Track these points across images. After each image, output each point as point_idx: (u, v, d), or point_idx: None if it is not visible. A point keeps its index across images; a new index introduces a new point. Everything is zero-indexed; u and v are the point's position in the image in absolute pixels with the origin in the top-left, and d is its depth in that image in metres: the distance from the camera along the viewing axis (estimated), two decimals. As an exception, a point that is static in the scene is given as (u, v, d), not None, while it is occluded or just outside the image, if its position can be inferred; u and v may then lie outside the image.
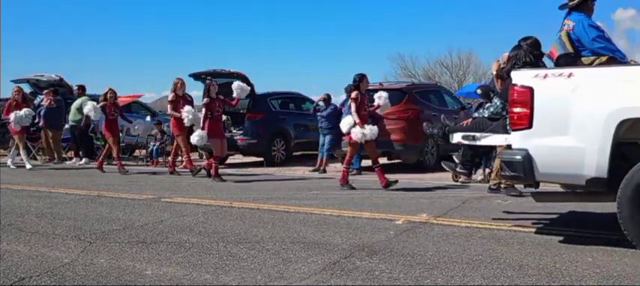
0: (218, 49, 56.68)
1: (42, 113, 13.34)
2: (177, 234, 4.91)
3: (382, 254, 4.12)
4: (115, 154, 10.95)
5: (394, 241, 4.58)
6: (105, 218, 5.71)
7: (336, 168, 11.34)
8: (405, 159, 11.33)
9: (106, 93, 10.94)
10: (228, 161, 13.59)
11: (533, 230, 5.01)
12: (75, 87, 14.25)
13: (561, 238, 4.67)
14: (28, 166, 11.60)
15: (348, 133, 8.12)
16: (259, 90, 13.27)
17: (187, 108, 10.16)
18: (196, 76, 12.91)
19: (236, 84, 9.99)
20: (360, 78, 8.24)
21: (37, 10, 57.79)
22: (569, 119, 4.16)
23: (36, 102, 13.86)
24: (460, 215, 5.79)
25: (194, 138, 9.49)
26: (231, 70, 12.73)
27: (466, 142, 5.24)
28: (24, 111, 11.67)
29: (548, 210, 6.18)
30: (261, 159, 12.87)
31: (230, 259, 4.03)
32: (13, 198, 7.32)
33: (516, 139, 4.39)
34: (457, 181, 9.21)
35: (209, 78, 9.54)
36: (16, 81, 15.48)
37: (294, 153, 13.49)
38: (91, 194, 7.71)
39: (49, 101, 13.32)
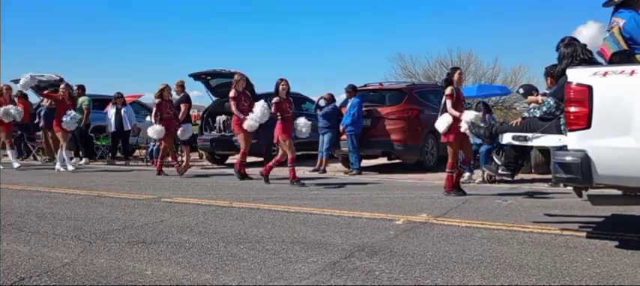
0: (218, 49, 56.67)
1: (42, 113, 13.35)
2: (177, 234, 4.91)
3: (382, 254, 4.12)
4: (170, 157, 10.65)
5: (394, 241, 4.58)
6: (105, 218, 5.71)
7: (336, 168, 11.36)
8: (405, 159, 11.32)
9: (163, 90, 10.27)
10: (229, 161, 13.59)
11: (534, 230, 5.01)
12: (75, 87, 14.23)
13: (561, 238, 4.67)
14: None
15: (449, 133, 7.23)
16: (259, 90, 13.26)
17: (261, 103, 9.70)
18: (196, 76, 12.91)
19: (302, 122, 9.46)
20: (453, 72, 7.63)
21: (37, 10, 57.77)
22: (632, 119, 3.95)
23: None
24: (460, 216, 5.78)
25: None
26: (231, 70, 12.72)
27: (517, 143, 5.05)
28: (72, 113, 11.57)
29: (549, 210, 6.18)
30: (262, 159, 12.86)
31: (230, 259, 4.03)
32: (13, 198, 7.33)
33: (573, 140, 4.17)
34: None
35: (280, 78, 8.89)
36: (16, 81, 15.49)
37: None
38: (91, 194, 7.71)
39: (49, 101, 13.32)
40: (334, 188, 8.39)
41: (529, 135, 4.93)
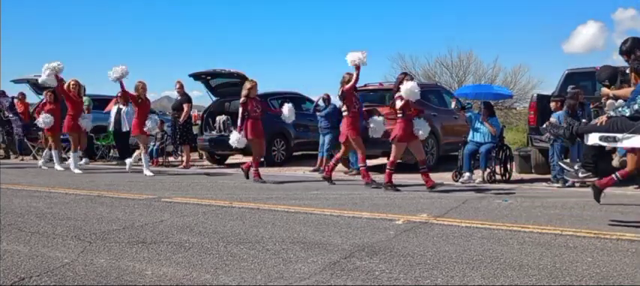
0: (218, 49, 56.70)
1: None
2: (177, 234, 4.91)
3: (382, 254, 4.11)
4: (254, 162, 9.53)
5: (394, 241, 4.58)
6: (105, 218, 5.71)
7: (336, 168, 11.34)
8: (405, 159, 11.31)
9: (251, 88, 9.33)
10: (228, 161, 13.59)
11: (533, 230, 5.01)
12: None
13: (561, 238, 4.67)
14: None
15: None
16: (259, 90, 13.26)
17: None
18: (196, 76, 12.91)
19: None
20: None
21: (37, 10, 57.80)
22: None
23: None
24: (460, 216, 5.79)
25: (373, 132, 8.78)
26: (231, 70, 12.73)
27: (605, 144, 4.89)
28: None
29: (549, 210, 6.18)
30: (262, 159, 12.85)
31: (230, 259, 4.03)
32: (13, 198, 7.32)
33: None
34: (457, 181, 9.22)
35: (404, 72, 8.30)
36: (16, 82, 15.50)
37: (294, 153, 13.48)
38: (91, 194, 7.71)
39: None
40: (334, 188, 8.38)
41: (619, 135, 4.73)
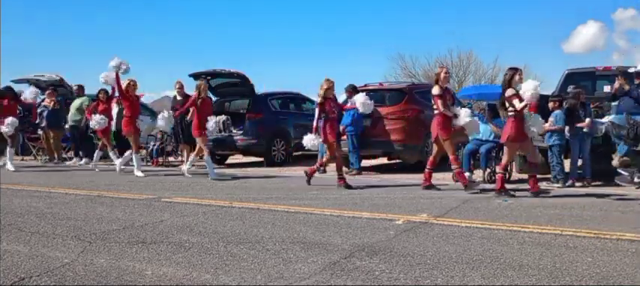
0: (218, 49, 56.70)
1: (45, 114, 13.35)
2: (177, 234, 4.91)
3: (382, 254, 4.11)
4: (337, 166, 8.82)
5: (394, 241, 4.58)
6: (105, 219, 5.71)
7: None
8: (405, 159, 11.33)
9: (327, 88, 8.49)
10: (228, 161, 13.59)
11: (533, 230, 5.01)
12: (75, 87, 14.24)
13: (561, 238, 4.67)
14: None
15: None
16: (259, 90, 13.28)
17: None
18: (196, 76, 12.91)
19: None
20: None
21: (37, 10, 57.76)
22: None
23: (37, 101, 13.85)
24: (460, 216, 5.78)
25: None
26: (231, 70, 12.74)
27: None
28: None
29: (549, 210, 6.18)
30: (261, 159, 12.87)
31: (230, 259, 4.03)
32: (13, 198, 7.33)
33: None
34: (457, 181, 9.21)
35: (513, 68, 7.45)
36: (16, 81, 15.49)
37: (294, 153, 13.48)
38: (91, 194, 7.71)
39: (52, 102, 13.33)
40: (334, 188, 8.38)
41: None
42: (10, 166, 11.35)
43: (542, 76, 36.85)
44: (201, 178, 9.82)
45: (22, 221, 5.59)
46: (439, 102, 7.65)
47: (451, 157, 7.74)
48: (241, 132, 12.61)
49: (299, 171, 11.31)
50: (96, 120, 11.25)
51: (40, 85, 14.88)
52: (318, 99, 8.51)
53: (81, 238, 4.76)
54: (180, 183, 9.28)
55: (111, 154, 11.58)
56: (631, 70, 8.40)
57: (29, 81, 15.13)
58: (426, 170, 8.07)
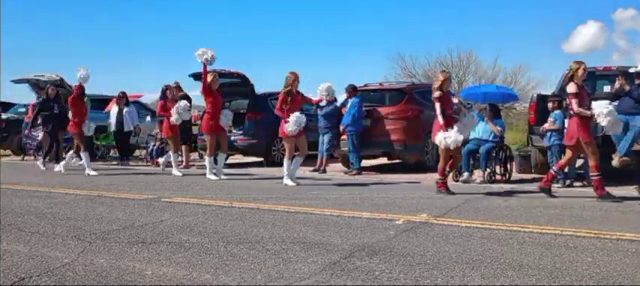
0: (218, 49, 56.64)
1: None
2: (177, 234, 4.91)
3: (382, 254, 4.11)
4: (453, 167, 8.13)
5: (394, 241, 4.58)
6: (105, 219, 5.71)
7: (336, 168, 11.36)
8: (405, 159, 11.33)
9: (444, 80, 7.71)
10: (228, 161, 13.59)
11: (533, 230, 5.01)
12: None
13: (561, 238, 4.67)
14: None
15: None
16: (259, 90, 13.27)
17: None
18: (196, 76, 12.90)
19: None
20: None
21: (37, 10, 57.77)
22: None
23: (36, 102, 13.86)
24: (460, 216, 5.78)
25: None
26: (231, 70, 12.73)
27: None
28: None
29: (549, 210, 6.18)
30: (262, 159, 12.87)
31: (230, 259, 4.03)
32: (13, 198, 7.33)
33: None
34: (457, 181, 9.22)
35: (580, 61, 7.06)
36: (16, 82, 15.49)
37: (295, 153, 13.45)
38: (91, 194, 7.71)
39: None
40: (334, 188, 8.38)
41: None
42: (90, 171, 10.66)
43: (542, 76, 36.91)
44: (201, 178, 9.81)
45: (22, 221, 5.59)
46: (574, 102, 6.90)
47: (592, 164, 7.02)
48: (241, 132, 12.61)
49: (299, 171, 11.30)
50: (175, 118, 10.42)
51: (39, 85, 14.89)
52: (435, 94, 7.63)
53: (81, 238, 4.76)
54: (181, 183, 9.28)
55: (172, 157, 10.83)
56: (631, 70, 8.40)
57: (29, 81, 15.12)
58: (548, 175, 7.42)
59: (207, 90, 9.66)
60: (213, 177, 9.65)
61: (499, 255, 4.07)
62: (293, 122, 8.64)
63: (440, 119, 7.50)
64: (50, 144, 12.33)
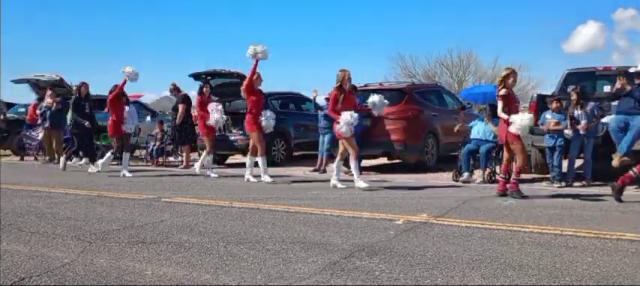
0: (218, 49, 56.62)
1: (48, 115, 13.34)
2: (177, 234, 4.91)
3: (382, 254, 4.11)
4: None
5: (394, 241, 4.58)
6: (105, 219, 5.71)
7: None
8: (405, 159, 11.33)
9: (507, 76, 7.34)
10: (228, 161, 13.59)
11: (533, 230, 5.01)
12: (75, 88, 14.21)
13: (561, 238, 4.67)
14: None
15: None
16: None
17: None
18: (196, 76, 12.91)
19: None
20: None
21: (37, 10, 57.73)
22: None
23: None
24: (460, 216, 5.78)
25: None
26: (231, 70, 12.73)
27: None
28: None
29: (549, 210, 6.18)
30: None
31: (230, 259, 4.03)
32: (13, 198, 7.33)
33: None
34: (457, 181, 9.22)
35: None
36: (16, 82, 15.50)
37: (294, 153, 13.48)
38: (91, 194, 7.71)
39: (53, 102, 13.32)
40: (334, 188, 8.38)
41: None
42: (127, 172, 10.42)
43: (542, 76, 36.93)
44: (201, 178, 9.81)
45: (22, 221, 5.59)
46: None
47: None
48: (241, 132, 12.60)
49: (299, 171, 11.30)
50: (214, 120, 10.11)
51: (39, 85, 14.90)
52: (501, 92, 7.28)
53: (81, 238, 4.76)
54: (181, 183, 9.28)
55: (208, 160, 10.38)
56: (631, 70, 8.40)
57: (29, 81, 15.13)
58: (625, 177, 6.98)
59: (249, 89, 9.12)
60: (268, 179, 9.05)
61: (499, 255, 4.07)
62: (344, 122, 8.09)
63: (503, 115, 7.12)
64: (79, 143, 12.09)
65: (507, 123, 7.10)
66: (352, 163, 8.46)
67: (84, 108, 11.67)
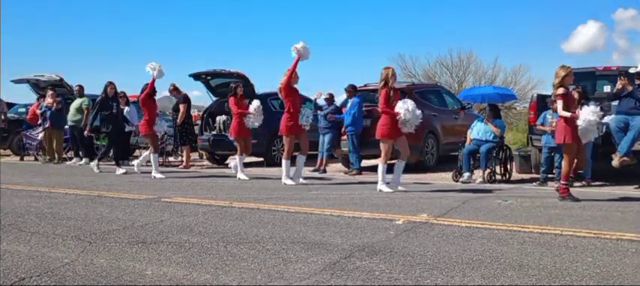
0: (218, 49, 56.64)
1: (48, 114, 13.35)
2: (177, 234, 4.91)
3: (382, 254, 4.11)
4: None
5: (394, 241, 4.58)
6: (105, 219, 5.71)
7: (335, 168, 11.36)
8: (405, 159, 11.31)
9: (566, 76, 7.03)
10: (228, 161, 13.58)
11: (534, 230, 5.01)
12: (75, 88, 14.25)
13: (561, 238, 4.67)
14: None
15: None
16: (259, 90, 13.27)
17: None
18: (196, 76, 12.92)
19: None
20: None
21: (37, 10, 57.73)
22: None
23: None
24: (460, 216, 5.78)
25: None
26: (231, 70, 12.74)
27: None
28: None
29: (549, 210, 6.18)
30: (262, 159, 12.87)
31: (230, 259, 4.03)
32: (13, 198, 7.32)
33: None
34: (457, 181, 9.22)
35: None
36: (16, 82, 15.51)
37: (294, 153, 13.46)
38: (91, 194, 7.71)
39: (54, 102, 13.33)
40: (334, 188, 8.38)
41: None
42: (158, 174, 10.13)
43: (542, 76, 36.92)
44: (201, 178, 9.81)
45: (22, 221, 5.59)
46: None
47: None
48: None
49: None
50: (252, 120, 10.06)
51: (39, 85, 14.91)
52: (559, 91, 6.96)
53: (81, 238, 4.76)
54: (181, 183, 9.28)
55: (238, 160, 10.15)
56: (631, 70, 8.40)
57: (29, 81, 15.14)
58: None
59: (287, 89, 8.78)
60: (289, 182, 8.77)
61: (499, 255, 4.07)
62: (409, 110, 7.72)
63: (565, 114, 6.77)
64: (108, 145, 11.68)
65: (568, 122, 6.79)
66: (400, 165, 8.05)
67: (111, 109, 11.18)
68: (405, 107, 7.77)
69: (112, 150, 11.62)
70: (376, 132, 8.05)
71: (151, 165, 10.48)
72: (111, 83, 11.36)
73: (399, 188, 7.93)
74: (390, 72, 7.95)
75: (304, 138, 9.10)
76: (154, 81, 10.20)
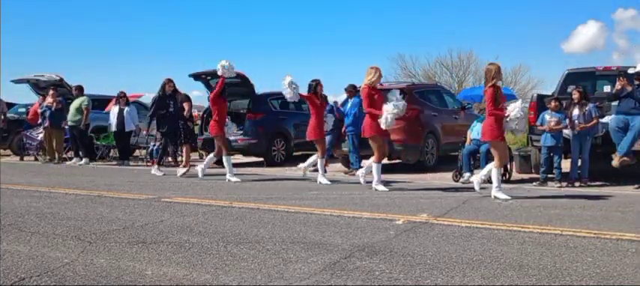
0: (218, 49, 56.61)
1: (48, 114, 13.35)
2: (177, 234, 4.91)
3: (382, 254, 4.11)
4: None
5: (394, 241, 4.58)
6: (105, 219, 5.71)
7: (335, 168, 11.36)
8: (405, 159, 11.32)
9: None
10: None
11: (534, 230, 5.01)
12: (74, 88, 14.26)
13: (561, 238, 4.67)
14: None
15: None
16: (259, 90, 13.27)
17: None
18: (196, 76, 12.91)
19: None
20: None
21: (37, 10, 57.74)
22: None
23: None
24: (460, 216, 5.78)
25: None
26: (231, 70, 12.70)
27: None
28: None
29: (549, 209, 6.18)
30: (261, 159, 12.87)
31: (230, 259, 4.03)
32: (13, 198, 7.32)
33: None
34: (457, 181, 9.22)
35: None
36: (16, 82, 15.51)
37: (294, 153, 13.48)
38: (91, 194, 7.71)
39: (54, 102, 13.33)
40: (334, 188, 8.38)
41: None
42: (233, 177, 9.52)
43: (542, 76, 36.92)
44: (200, 178, 9.80)
45: (22, 221, 5.59)
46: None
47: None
48: (241, 131, 12.61)
49: (299, 171, 11.28)
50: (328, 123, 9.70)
51: (39, 85, 14.91)
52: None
53: (81, 238, 4.76)
54: (181, 183, 9.28)
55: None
56: (630, 71, 8.41)
57: (29, 81, 15.14)
58: None
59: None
60: (381, 188, 8.08)
61: (499, 255, 4.07)
62: (518, 109, 7.28)
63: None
64: (164, 147, 11.07)
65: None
66: (495, 171, 7.35)
67: (168, 107, 10.47)
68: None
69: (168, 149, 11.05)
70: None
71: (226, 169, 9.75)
72: (170, 80, 10.59)
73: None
74: (495, 68, 7.28)
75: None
76: (223, 80, 9.66)
